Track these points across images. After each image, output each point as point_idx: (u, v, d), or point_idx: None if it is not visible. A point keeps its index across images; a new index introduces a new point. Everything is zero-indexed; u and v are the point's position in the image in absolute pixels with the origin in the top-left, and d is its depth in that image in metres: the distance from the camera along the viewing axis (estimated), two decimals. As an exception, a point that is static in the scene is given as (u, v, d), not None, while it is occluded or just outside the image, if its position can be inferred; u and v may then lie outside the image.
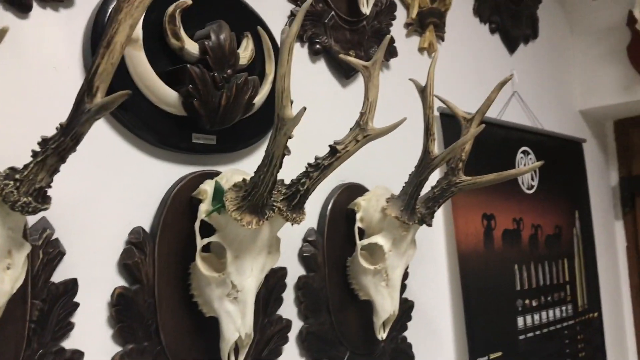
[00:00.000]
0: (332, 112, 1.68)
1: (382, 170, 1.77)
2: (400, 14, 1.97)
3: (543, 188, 2.46)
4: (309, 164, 1.16)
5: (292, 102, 1.03)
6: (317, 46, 1.63)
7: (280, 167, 1.08)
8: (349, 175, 1.68)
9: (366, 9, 1.66)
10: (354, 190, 1.65)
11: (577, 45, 2.91)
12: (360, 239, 1.54)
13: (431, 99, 1.40)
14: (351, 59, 1.17)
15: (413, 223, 1.47)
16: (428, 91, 1.40)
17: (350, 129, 1.17)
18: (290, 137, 1.04)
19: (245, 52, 1.34)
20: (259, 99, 1.35)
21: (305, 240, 1.54)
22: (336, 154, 1.14)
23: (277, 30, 1.54)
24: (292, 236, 1.51)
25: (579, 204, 2.72)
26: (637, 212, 3.04)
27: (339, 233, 1.59)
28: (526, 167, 1.36)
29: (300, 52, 1.62)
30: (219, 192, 1.14)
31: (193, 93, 1.20)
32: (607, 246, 2.98)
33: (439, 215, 2.01)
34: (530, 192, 2.40)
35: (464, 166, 1.51)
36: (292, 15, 1.58)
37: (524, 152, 2.39)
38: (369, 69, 1.16)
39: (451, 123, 1.96)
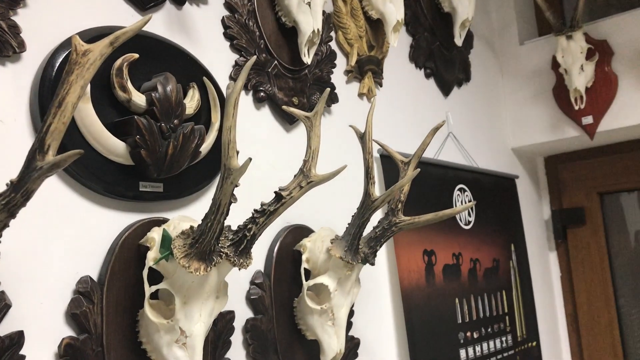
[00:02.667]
0: (277, 157, 1.74)
1: (327, 212, 1.83)
2: (341, 61, 2.07)
3: (480, 223, 2.58)
4: (255, 210, 1.20)
5: (238, 153, 1.08)
6: (262, 94, 1.69)
7: (227, 214, 1.12)
8: (294, 217, 1.74)
9: (307, 59, 1.74)
10: (300, 232, 1.70)
11: (508, 87, 3.09)
12: (307, 279, 1.59)
13: (370, 144, 1.48)
14: (294, 110, 1.24)
15: (357, 263, 1.53)
16: (367, 137, 1.48)
17: (295, 175, 1.23)
18: (236, 186, 1.09)
19: (192, 102, 1.39)
20: (205, 147, 1.39)
21: (252, 282, 1.57)
22: (281, 200, 1.19)
23: (222, 79, 1.60)
24: (239, 279, 1.55)
25: (514, 237, 2.85)
26: (569, 243, 3.21)
27: (285, 274, 1.63)
28: (461, 206, 1.45)
29: (245, 100, 1.68)
30: (166, 239, 1.17)
31: (140, 143, 1.24)
32: (542, 277, 3.13)
33: (382, 253, 2.08)
34: (468, 227, 2.51)
35: (403, 207, 1.59)
36: (237, 64, 1.64)
37: (460, 189, 2.51)
38: (310, 119, 1.23)
39: (391, 164, 2.06)
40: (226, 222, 1.17)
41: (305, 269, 1.60)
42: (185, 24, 1.54)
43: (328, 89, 1.25)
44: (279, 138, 1.77)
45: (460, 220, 2.47)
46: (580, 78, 2.71)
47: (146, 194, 1.33)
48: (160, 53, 1.40)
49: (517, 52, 3.09)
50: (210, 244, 1.13)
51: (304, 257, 1.61)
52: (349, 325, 1.81)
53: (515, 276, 2.80)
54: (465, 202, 2.53)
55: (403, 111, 2.35)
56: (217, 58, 1.61)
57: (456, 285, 2.37)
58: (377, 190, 1.52)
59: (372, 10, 2.11)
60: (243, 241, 1.20)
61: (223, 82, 1.61)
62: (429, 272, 2.22)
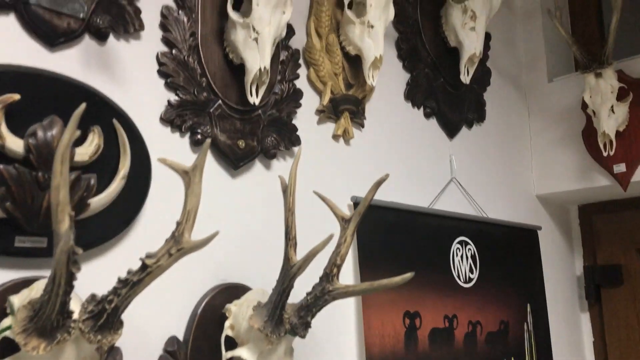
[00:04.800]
0: (218, 206, 1.58)
1: (270, 269, 1.64)
2: (314, 100, 1.89)
3: (485, 280, 2.30)
4: (119, 279, 1.04)
5: (71, 217, 0.92)
6: (198, 136, 1.54)
7: (67, 286, 0.96)
8: (232, 274, 1.56)
9: (254, 99, 1.58)
10: (234, 292, 1.52)
11: (534, 127, 2.80)
12: (234, 348, 1.40)
13: (291, 200, 1.28)
14: (170, 162, 1.07)
15: (279, 335, 1.33)
16: (289, 191, 1.29)
17: (166, 240, 1.05)
18: (75, 254, 0.93)
19: (89, 148, 1.26)
20: (100, 199, 1.25)
21: (165, 350, 1.40)
22: (146, 269, 1.02)
23: (151, 120, 1.47)
24: (148, 346, 1.38)
25: (532, 296, 2.53)
26: (603, 305, 2.83)
27: (208, 342, 1.44)
28: (397, 277, 1.22)
29: (181, 143, 1.53)
30: (11, 308, 1.03)
31: (6, 195, 1.11)
32: (569, 342, 2.76)
33: (351, 314, 1.86)
34: (469, 285, 2.24)
35: (339, 272, 1.37)
36: (169, 104, 1.50)
37: (461, 242, 2.24)
38: (188, 174, 1.06)
39: (368, 213, 1.84)
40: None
41: (228, 336, 1.41)
42: (108, 61, 1.42)
43: (209, 141, 1.07)
44: (221, 185, 1.60)
45: (459, 277, 2.20)
46: (610, 121, 2.39)
47: (26, 249, 1.19)
48: (62, 93, 1.27)
49: (545, 89, 2.79)
50: (50, 320, 0.97)
51: (227, 323, 1.42)
52: (293, 399, 1.59)
53: (531, 341, 2.47)
54: (467, 257, 2.26)
55: (395, 155, 2.13)
56: (147, 98, 1.47)
57: (447, 352, 2.09)
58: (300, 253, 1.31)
59: (349, 45, 1.92)
60: (103, 315, 1.03)
61: (151, 123, 1.48)
62: (409, 337, 1.97)
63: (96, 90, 1.34)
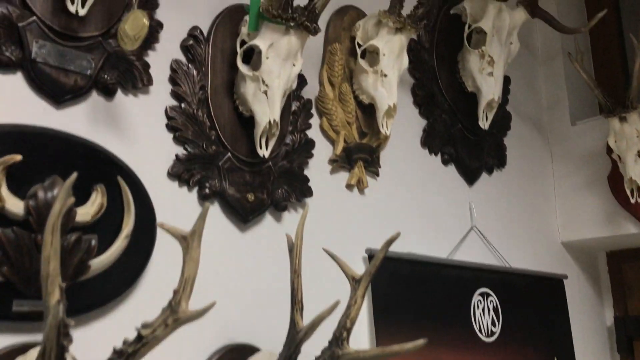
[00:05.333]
0: (228, 263, 1.53)
1: (280, 328, 1.58)
2: (327, 150, 1.85)
3: (508, 334, 2.19)
4: (114, 350, 0.99)
5: (62, 288, 0.88)
6: (207, 190, 1.51)
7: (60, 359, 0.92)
8: (240, 333, 1.51)
9: (264, 151, 1.55)
10: (242, 352, 1.46)
11: (558, 172, 2.71)
12: (240, 413, 1.34)
13: (298, 261, 1.23)
14: (168, 227, 1.03)
15: (285, 403, 1.26)
16: (295, 252, 1.24)
17: (162, 309, 1.01)
18: (68, 326, 0.89)
19: (91, 207, 1.23)
20: (101, 260, 1.22)
21: (167, 415, 1.34)
22: (142, 340, 0.97)
23: (158, 175, 1.44)
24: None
25: (559, 349, 2.41)
26: (636, 358, 2.68)
27: (212, 405, 1.39)
28: (410, 344, 1.16)
29: (188, 197, 1.50)
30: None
31: (3, 259, 1.08)
32: (601, 397, 2.62)
33: (366, 372, 1.77)
34: (491, 339, 2.14)
35: (349, 335, 1.30)
36: (177, 158, 1.48)
37: (482, 294, 2.15)
38: (187, 239, 1.01)
39: (382, 265, 1.78)
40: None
41: (233, 401, 1.35)
42: (115, 116, 1.41)
43: (208, 205, 1.03)
44: (231, 240, 1.56)
45: (480, 331, 2.11)
46: (637, 167, 2.30)
47: (23, 314, 1.16)
48: (67, 152, 1.26)
49: (568, 133, 2.71)
50: (40, 394, 0.93)
51: (232, 387, 1.37)
52: None
53: (559, 398, 2.35)
54: (489, 309, 2.16)
55: (412, 204, 2.07)
56: (155, 152, 1.46)
57: (468, 412, 1.99)
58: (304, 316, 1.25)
59: (362, 94, 1.89)
60: (96, 387, 0.98)
61: (158, 178, 1.45)
62: (428, 397, 1.87)
63: (101, 147, 1.33)
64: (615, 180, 2.49)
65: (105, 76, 1.37)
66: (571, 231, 2.65)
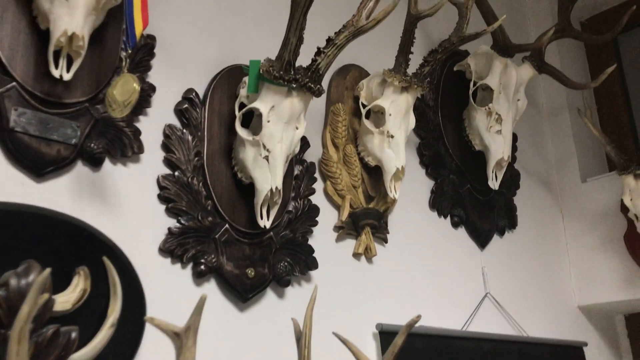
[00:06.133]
0: (226, 344, 1.38)
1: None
2: (331, 216, 1.73)
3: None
4: None
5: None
6: (202, 267, 1.37)
7: None
8: None
9: (265, 222, 1.42)
10: None
11: (570, 231, 2.59)
12: None
13: (306, 351, 1.09)
14: (158, 322, 0.89)
15: None
16: (304, 341, 1.09)
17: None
18: None
19: (72, 294, 1.09)
20: (83, 355, 1.06)
21: None
22: None
23: (149, 252, 1.31)
24: None
25: None
26: None
27: None
28: None
29: (181, 275, 1.36)
30: None
31: (-33, 361, 0.93)
32: None
33: None
34: (512, 419, 1.96)
35: None
36: (170, 233, 1.34)
37: (501, 368, 1.99)
38: (180, 336, 0.87)
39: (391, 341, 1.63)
40: None
41: None
42: (102, 188, 1.28)
43: (204, 296, 0.90)
44: (229, 321, 1.42)
45: (500, 410, 1.93)
46: (656, 226, 2.18)
47: (-10, 421, 1.00)
48: (46, 230, 1.13)
49: (579, 190, 2.61)
50: None
51: None
52: None
53: None
54: (508, 385, 1.99)
55: (423, 272, 1.93)
56: (145, 227, 1.32)
57: None
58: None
59: (368, 156, 1.79)
60: None
61: (149, 255, 1.32)
62: None
63: (85, 224, 1.20)
64: (632, 240, 2.37)
65: (92, 145, 1.25)
66: (588, 294, 2.50)
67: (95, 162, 1.27)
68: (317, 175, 1.71)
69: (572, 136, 2.66)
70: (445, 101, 2.20)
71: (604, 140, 2.31)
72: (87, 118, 1.26)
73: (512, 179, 2.40)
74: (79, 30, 1.16)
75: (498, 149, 2.11)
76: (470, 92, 2.16)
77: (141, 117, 1.38)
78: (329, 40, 1.44)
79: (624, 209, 2.39)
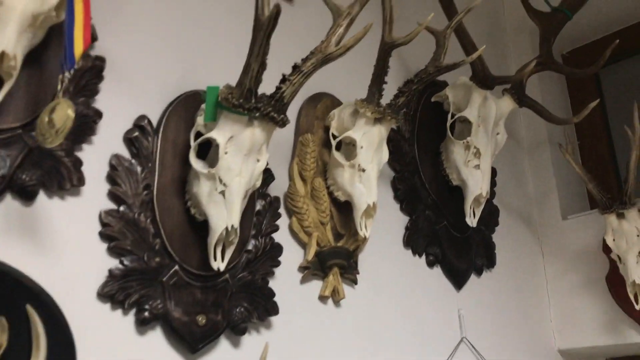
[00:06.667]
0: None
1: None
2: (297, 254, 1.60)
3: None
4: None
5: None
6: (146, 313, 1.23)
7: None
8: None
9: (219, 264, 1.29)
10: None
11: (550, 271, 2.49)
12: None
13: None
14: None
15: None
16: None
17: None
18: None
19: (-16, 349, 0.94)
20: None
21: None
22: None
23: (86, 298, 1.17)
24: None
25: None
26: None
27: None
28: None
29: (122, 324, 1.22)
30: None
31: None
32: None
33: None
34: None
35: None
36: (110, 275, 1.21)
37: (476, 420, 1.86)
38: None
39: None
40: None
41: None
42: (34, 224, 1.15)
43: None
44: (175, 373, 1.27)
45: None
46: (639, 269, 2.08)
47: None
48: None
49: (560, 227, 2.51)
50: None
51: None
52: None
53: None
54: None
55: (396, 315, 1.81)
56: (82, 269, 1.19)
57: None
58: None
59: (338, 191, 1.67)
60: None
61: (85, 301, 1.18)
62: None
63: (9, 267, 1.06)
64: (615, 282, 2.27)
65: (24, 176, 1.12)
66: (568, 338, 2.39)
67: (27, 196, 1.14)
68: (282, 210, 1.59)
69: (553, 171, 2.57)
70: (422, 133, 2.09)
71: (586, 178, 2.22)
72: (19, 146, 1.13)
73: (490, 215, 2.29)
74: (10, 49, 1.04)
75: (476, 184, 2.00)
76: (448, 124, 2.06)
77: (84, 146, 1.25)
78: (295, 67, 1.32)
79: (606, 249, 2.29)
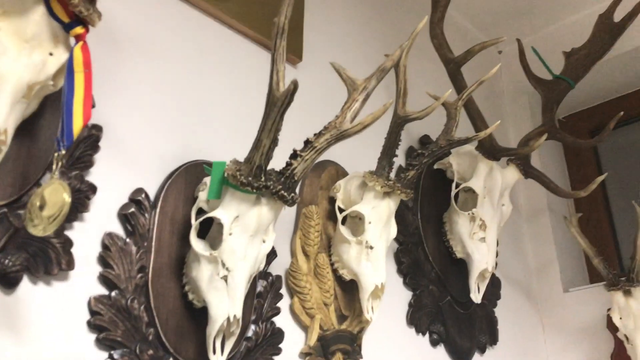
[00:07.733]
0: None
1: None
2: (298, 338, 1.48)
3: None
4: None
5: None
6: (136, 417, 1.09)
7: None
8: None
9: (219, 357, 1.16)
10: None
11: (551, 346, 2.39)
12: None
13: None
14: None
15: None
16: None
17: None
18: None
19: None
20: None
21: None
22: None
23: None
24: None
25: None
26: None
27: None
28: None
29: None
30: None
31: None
32: None
33: None
34: None
35: None
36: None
37: None
38: None
39: None
40: None
41: None
42: (17, 314, 1.02)
43: None
44: None
45: None
46: (650, 352, 2.00)
47: None
48: None
49: (561, 301, 2.42)
50: None
51: None
52: None
53: None
54: None
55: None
56: (68, 364, 1.05)
57: None
58: None
59: (343, 269, 1.56)
60: None
61: (67, 403, 1.04)
62: None
63: (-13, 369, 0.93)
64: (621, 360, 2.18)
65: (7, 261, 1.00)
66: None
67: (9, 283, 1.01)
68: (283, 290, 1.47)
69: (554, 242, 2.50)
70: (425, 201, 2.01)
71: (592, 253, 2.15)
72: (4, 227, 1.01)
73: (493, 288, 2.20)
74: (1, 123, 0.93)
75: (482, 258, 1.91)
76: (453, 194, 1.98)
77: (75, 224, 1.13)
78: (307, 142, 1.23)
79: (611, 326, 2.21)
